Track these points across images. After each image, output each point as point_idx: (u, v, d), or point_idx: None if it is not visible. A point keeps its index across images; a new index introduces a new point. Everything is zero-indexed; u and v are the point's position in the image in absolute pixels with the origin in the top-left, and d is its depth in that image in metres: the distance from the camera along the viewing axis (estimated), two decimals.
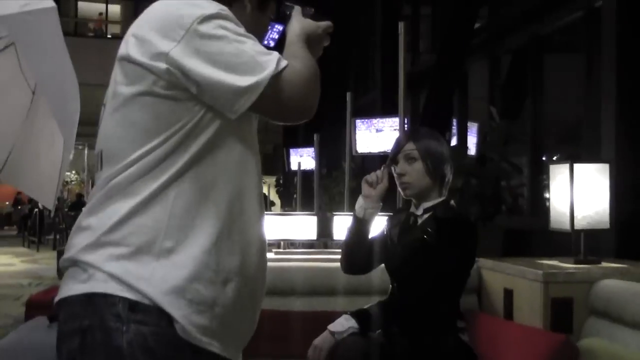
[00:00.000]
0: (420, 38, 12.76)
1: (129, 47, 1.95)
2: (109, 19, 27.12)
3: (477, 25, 9.18)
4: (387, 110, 11.23)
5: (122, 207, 1.89)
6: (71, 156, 4.89)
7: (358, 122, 8.94)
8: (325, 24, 2.20)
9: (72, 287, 1.91)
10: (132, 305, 1.82)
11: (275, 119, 2.03)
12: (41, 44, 4.05)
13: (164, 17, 1.94)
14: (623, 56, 5.79)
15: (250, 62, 1.87)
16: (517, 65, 9.39)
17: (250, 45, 1.90)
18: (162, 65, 1.87)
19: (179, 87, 1.88)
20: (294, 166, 11.54)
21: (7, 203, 33.51)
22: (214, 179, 1.94)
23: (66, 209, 18.02)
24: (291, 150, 13.51)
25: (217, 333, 1.90)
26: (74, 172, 27.22)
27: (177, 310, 1.83)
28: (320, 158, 9.64)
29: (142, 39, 1.93)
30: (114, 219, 1.88)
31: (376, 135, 8.88)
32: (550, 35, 8.75)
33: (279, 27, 2.24)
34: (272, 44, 2.21)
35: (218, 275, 1.90)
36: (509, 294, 4.29)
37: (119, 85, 1.96)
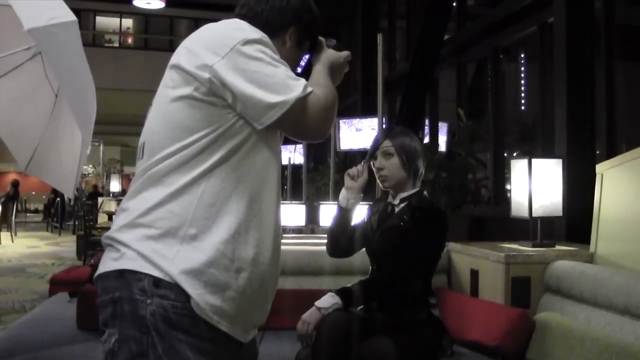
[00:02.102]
0: (397, 48, 12.73)
1: (180, 57, 2.00)
2: (122, 31, 27.01)
3: (446, 37, 9.17)
4: (366, 111, 11.21)
5: (157, 194, 1.92)
6: (88, 151, 4.88)
7: (341, 122, 8.93)
8: (345, 53, 2.25)
9: (107, 265, 1.95)
10: (156, 282, 1.85)
11: (293, 136, 2.06)
12: (64, 53, 4.04)
13: (214, 36, 2.00)
14: (572, 65, 5.79)
15: (281, 83, 1.91)
16: (481, 72, 9.40)
17: (283, 70, 1.95)
18: (206, 75, 1.91)
19: (216, 95, 1.91)
20: (284, 161, 11.54)
21: (33, 193, 33.40)
22: (238, 179, 1.95)
23: (84, 199, 17.93)
24: (283, 147, 13.47)
25: (227, 314, 1.91)
26: (90, 166, 27.07)
27: (192, 289, 1.85)
28: (308, 154, 9.63)
29: (192, 51, 1.98)
30: (148, 204, 1.92)
31: (357, 134, 8.88)
32: (510, 46, 8.76)
33: (306, 56, 2.24)
34: (299, 70, 2.22)
35: (233, 263, 1.91)
36: (474, 274, 4.29)
37: (167, 88, 2.00)
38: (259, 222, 1.98)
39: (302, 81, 1.95)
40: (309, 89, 1.94)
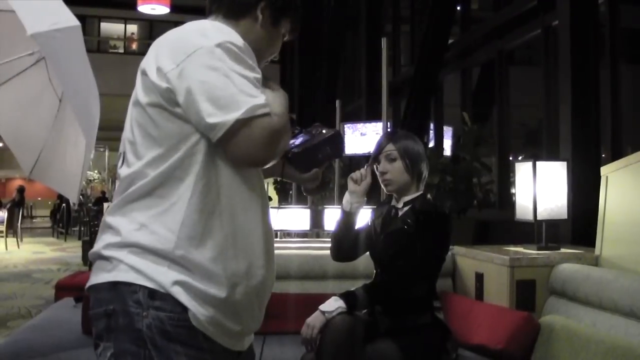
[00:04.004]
0: (401, 52, 12.73)
1: (147, 61, 1.92)
2: (127, 37, 27.09)
3: (450, 41, 9.17)
4: (371, 116, 11.20)
5: (141, 215, 1.87)
6: (92, 156, 4.88)
7: (346, 126, 8.94)
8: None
9: (99, 276, 1.90)
10: (151, 293, 1.81)
11: (229, 156, 1.87)
12: (67, 58, 4.05)
13: (176, 41, 1.91)
14: (576, 68, 5.78)
15: (228, 97, 1.77)
16: (485, 76, 9.38)
17: (238, 81, 1.80)
18: (164, 84, 1.83)
19: (178, 104, 1.83)
20: None
21: (39, 199, 33.49)
22: (218, 193, 1.88)
23: (90, 204, 18.00)
24: None
25: (223, 326, 1.89)
26: (96, 171, 27.11)
27: (188, 301, 1.82)
28: None
29: (155, 56, 1.89)
30: (132, 225, 1.87)
31: (361, 139, 8.88)
32: (514, 50, 8.75)
33: (299, 137, 2.17)
34: (296, 142, 2.13)
35: (228, 280, 1.88)
36: (479, 277, 4.28)
37: (139, 94, 1.91)
38: (245, 234, 1.93)
39: (257, 99, 1.80)
40: (261, 110, 1.80)
